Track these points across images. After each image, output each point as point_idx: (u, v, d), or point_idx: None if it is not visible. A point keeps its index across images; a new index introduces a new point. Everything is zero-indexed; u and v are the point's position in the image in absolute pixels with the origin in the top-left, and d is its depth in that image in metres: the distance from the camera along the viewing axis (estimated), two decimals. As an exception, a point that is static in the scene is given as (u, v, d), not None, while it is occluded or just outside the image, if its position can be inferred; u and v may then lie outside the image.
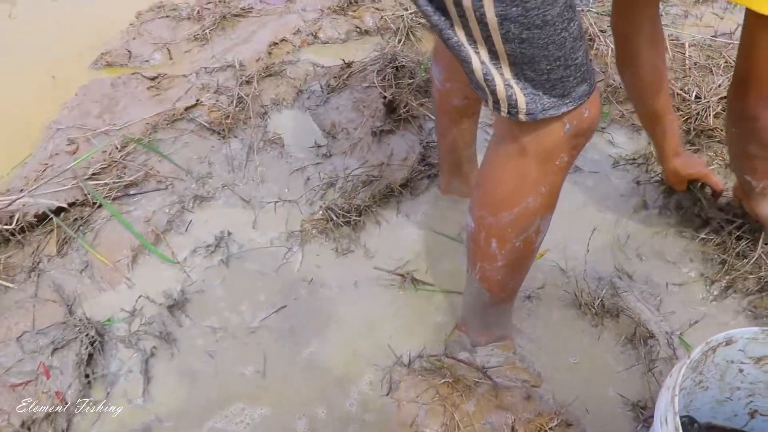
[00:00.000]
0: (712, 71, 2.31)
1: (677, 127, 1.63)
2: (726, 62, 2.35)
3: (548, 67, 0.97)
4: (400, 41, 2.31)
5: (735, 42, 2.46)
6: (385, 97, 1.95)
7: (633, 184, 1.82)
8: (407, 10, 2.52)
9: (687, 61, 2.35)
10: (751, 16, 1.15)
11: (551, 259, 1.64)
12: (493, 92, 1.00)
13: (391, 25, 2.38)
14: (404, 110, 1.95)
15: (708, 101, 2.03)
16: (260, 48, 2.37)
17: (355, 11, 2.52)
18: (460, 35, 0.96)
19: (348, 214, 1.70)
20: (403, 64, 2.06)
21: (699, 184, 1.67)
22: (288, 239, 1.71)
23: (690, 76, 2.27)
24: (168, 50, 2.43)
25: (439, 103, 1.63)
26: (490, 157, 1.17)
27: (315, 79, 2.22)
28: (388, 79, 2.02)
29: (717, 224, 1.65)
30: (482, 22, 0.92)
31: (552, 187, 1.13)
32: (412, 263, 1.64)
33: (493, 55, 0.96)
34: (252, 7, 2.63)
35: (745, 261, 1.58)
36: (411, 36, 2.33)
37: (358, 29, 2.45)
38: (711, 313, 1.53)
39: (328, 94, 2.12)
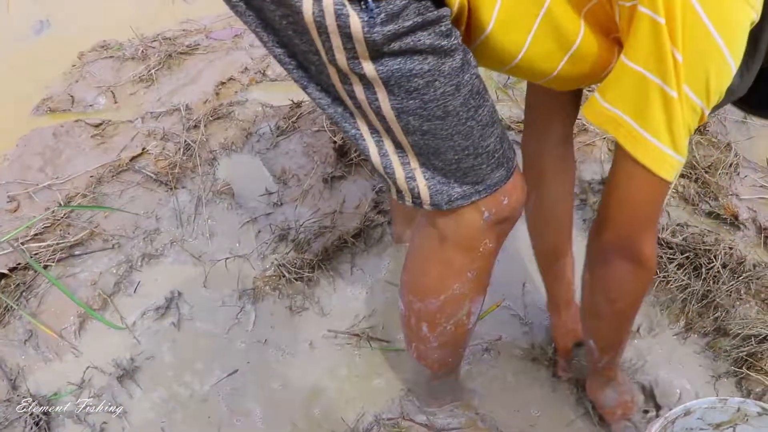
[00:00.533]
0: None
1: (572, 273, 1.42)
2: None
3: (456, 157, 0.91)
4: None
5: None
6: (335, 142, 1.92)
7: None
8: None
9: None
10: (620, 151, 0.93)
11: (510, 307, 1.63)
12: (395, 183, 0.95)
13: (340, 62, 2.35)
14: (355, 154, 1.92)
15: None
16: (207, 89, 2.32)
17: (303, 47, 2.49)
18: (362, 126, 0.91)
19: (300, 270, 1.67)
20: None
21: None
22: (240, 298, 1.67)
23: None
24: (112, 93, 2.37)
25: None
26: (414, 242, 1.13)
27: (264, 120, 2.18)
28: (338, 123, 1.99)
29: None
30: (380, 114, 0.87)
31: (479, 271, 1.08)
32: (368, 319, 1.61)
33: (398, 145, 0.91)
34: (198, 44, 2.57)
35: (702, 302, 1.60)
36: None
37: (307, 65, 2.42)
38: (668, 357, 1.54)
39: (278, 137, 2.08)
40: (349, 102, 0.88)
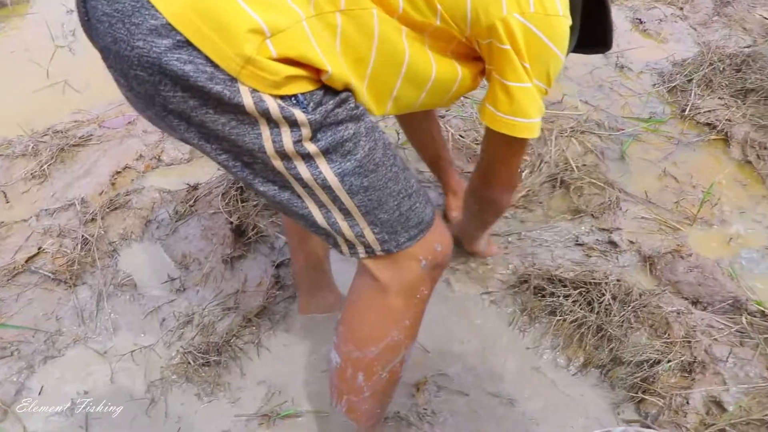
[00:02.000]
0: (546, 142, 2.46)
1: (452, 169, 2.02)
2: (560, 129, 2.51)
3: (395, 203, 1.09)
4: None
5: (565, 111, 2.64)
6: (231, 223, 1.96)
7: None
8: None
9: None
10: (498, 134, 1.29)
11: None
12: (345, 240, 1.11)
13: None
14: (253, 233, 1.96)
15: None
16: (102, 180, 2.32)
17: (196, 128, 2.52)
18: (310, 205, 1.06)
19: (206, 355, 1.68)
20: (247, 184, 2.07)
21: None
22: (149, 390, 1.66)
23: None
24: (3, 193, 2.33)
25: (288, 223, 1.67)
26: (353, 296, 1.25)
27: (162, 206, 2.19)
28: (234, 203, 2.03)
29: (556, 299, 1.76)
30: (326, 186, 1.02)
31: (415, 319, 1.23)
32: (279, 395, 1.63)
33: (345, 212, 1.07)
34: (91, 135, 2.57)
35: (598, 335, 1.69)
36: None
37: (201, 147, 2.45)
38: (570, 391, 1.61)
39: (176, 221, 2.10)
40: (296, 185, 1.03)
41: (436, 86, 1.22)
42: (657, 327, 1.68)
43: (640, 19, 3.41)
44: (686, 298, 1.84)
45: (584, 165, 2.32)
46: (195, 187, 2.20)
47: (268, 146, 0.97)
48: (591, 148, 2.44)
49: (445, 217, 2.07)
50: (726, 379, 1.57)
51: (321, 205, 1.06)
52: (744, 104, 2.65)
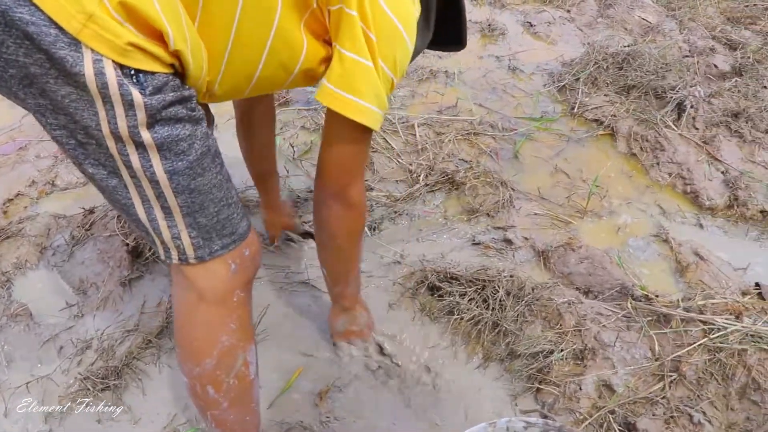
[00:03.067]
0: (441, 146, 2.53)
1: (278, 186, 2.01)
2: (456, 132, 2.58)
3: (216, 209, 1.09)
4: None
5: (459, 116, 2.72)
6: (128, 245, 1.93)
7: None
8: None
9: (419, 141, 2.55)
10: (333, 118, 1.21)
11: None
12: (162, 242, 1.09)
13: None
14: (150, 253, 1.94)
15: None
16: (-6, 210, 2.25)
17: (91, 151, 2.47)
18: (134, 197, 1.04)
19: (106, 380, 1.65)
20: (143, 204, 2.05)
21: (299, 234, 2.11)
22: (47, 421, 1.62)
23: (423, 155, 2.47)
24: None
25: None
26: (176, 312, 1.23)
27: (58, 232, 2.14)
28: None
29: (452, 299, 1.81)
30: (153, 180, 1.01)
31: (240, 321, 1.22)
32: (180, 415, 1.61)
33: (167, 211, 1.05)
34: (-21, 163, 2.49)
35: (495, 330, 1.74)
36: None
37: (97, 169, 2.40)
38: (472, 386, 1.66)
39: (73, 247, 2.05)
40: (125, 173, 1.01)
41: (275, 53, 1.15)
42: (550, 319, 1.75)
43: (530, 23, 3.55)
44: (578, 289, 1.93)
45: (478, 166, 2.40)
46: (91, 211, 2.16)
47: (104, 125, 0.95)
48: (485, 149, 2.52)
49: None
50: (614, 363, 1.65)
51: (145, 199, 1.04)
52: (627, 100, 2.79)
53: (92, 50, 0.89)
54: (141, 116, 0.94)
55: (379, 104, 1.15)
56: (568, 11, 3.69)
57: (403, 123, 2.65)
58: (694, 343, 1.65)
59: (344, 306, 1.66)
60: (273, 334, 1.79)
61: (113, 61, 0.90)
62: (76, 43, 0.88)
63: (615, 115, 2.71)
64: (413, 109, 2.80)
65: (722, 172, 2.42)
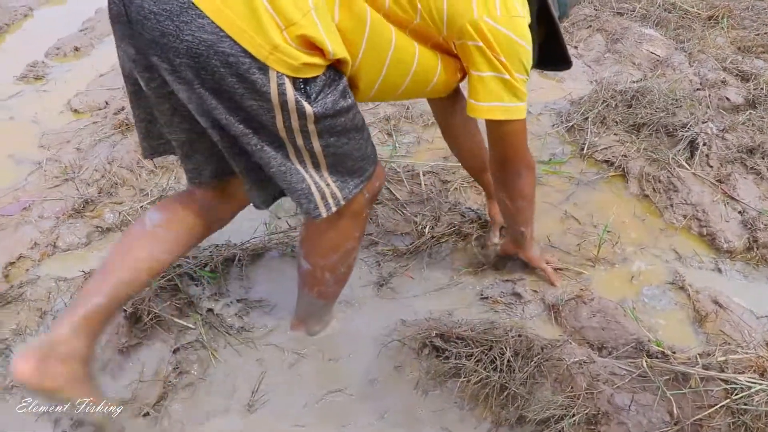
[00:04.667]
0: (447, 195, 2.48)
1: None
2: (462, 179, 2.52)
3: (351, 163, 1.47)
4: (141, 236, 2.25)
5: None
6: (125, 310, 1.88)
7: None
8: (148, 196, 2.49)
9: (424, 191, 2.50)
10: (494, 123, 1.62)
11: None
12: (319, 189, 1.45)
13: (131, 219, 2.33)
14: (149, 318, 1.89)
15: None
16: (-6, 274, 2.22)
17: (93, 210, 2.45)
18: (292, 157, 1.40)
19: (100, 456, 1.59)
20: (142, 267, 2.00)
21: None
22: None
23: (428, 205, 2.41)
24: None
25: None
26: (311, 226, 1.63)
27: (59, 296, 2.10)
28: (128, 289, 1.96)
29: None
30: (311, 151, 1.40)
31: (362, 230, 1.66)
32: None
33: (316, 166, 1.43)
34: (-18, 224, 2.47)
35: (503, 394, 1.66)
36: (152, 228, 2.28)
37: (99, 229, 2.38)
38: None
39: (72, 312, 2.01)
40: (290, 148, 1.39)
41: (419, 72, 1.55)
42: (561, 380, 1.67)
43: (537, 61, 3.50)
44: (591, 344, 1.85)
45: (486, 215, 2.34)
46: (91, 273, 2.12)
47: (279, 123, 1.32)
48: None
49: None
50: (630, 428, 1.56)
51: (299, 158, 1.40)
52: (638, 138, 2.73)
53: (277, 72, 1.25)
54: (310, 121, 1.33)
55: (521, 98, 1.55)
56: (576, 47, 3.64)
57: (408, 171, 2.60)
58: (716, 404, 1.56)
59: (533, 240, 2.04)
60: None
61: (289, 77, 1.27)
62: (264, 66, 1.25)
63: (626, 155, 2.64)
64: (419, 156, 2.76)
65: (739, 212, 2.34)
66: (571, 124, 2.92)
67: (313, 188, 1.44)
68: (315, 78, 1.30)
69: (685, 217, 2.36)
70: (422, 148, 2.82)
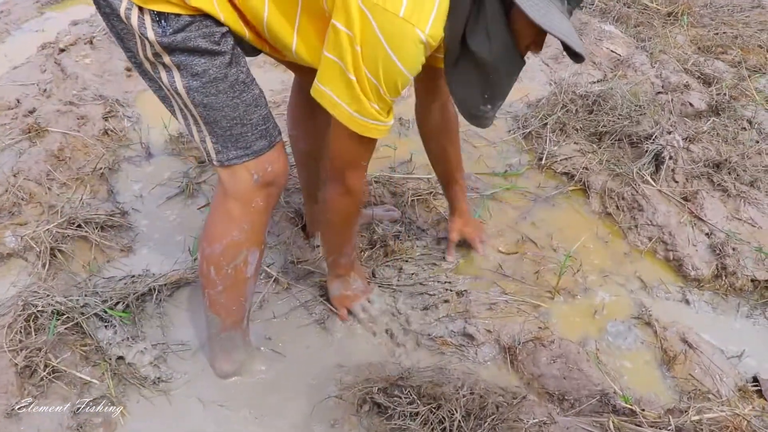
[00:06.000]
0: (397, 205, 2.26)
1: (463, 193, 2.03)
2: (413, 193, 2.31)
3: (228, 125, 1.38)
4: (44, 265, 1.96)
5: (414, 174, 2.45)
6: (16, 365, 1.61)
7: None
8: (58, 214, 2.18)
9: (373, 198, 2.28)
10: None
11: None
12: (197, 143, 1.42)
13: (35, 246, 2.03)
14: (45, 372, 1.62)
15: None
16: None
17: (-9, 232, 2.15)
18: (175, 108, 1.41)
19: None
20: (42, 309, 1.72)
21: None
22: None
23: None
24: None
25: (293, 151, 1.99)
26: (212, 201, 1.55)
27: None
28: (22, 334, 1.68)
29: None
30: (177, 93, 1.35)
31: (253, 225, 1.49)
32: None
33: (194, 118, 1.39)
34: None
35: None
36: (57, 255, 2.00)
37: (-3, 256, 2.07)
38: None
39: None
40: (163, 87, 1.37)
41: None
42: (517, 445, 1.48)
43: (492, 59, 3.29)
44: (551, 395, 1.66)
45: (435, 236, 2.13)
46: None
47: (140, 53, 1.33)
48: (444, 214, 2.24)
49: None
50: (596, 504, 1.38)
51: (179, 108, 1.40)
52: (600, 148, 2.55)
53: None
54: (158, 48, 1.29)
55: (359, 109, 1.33)
56: (532, 43, 3.43)
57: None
58: (691, 475, 1.39)
59: (338, 273, 1.82)
60: None
61: (137, 5, 1.26)
62: None
63: (587, 168, 2.45)
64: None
65: (707, 234, 2.17)
66: (528, 130, 2.71)
67: (197, 138, 1.42)
68: (177, 16, 1.27)
69: (650, 239, 2.18)
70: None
